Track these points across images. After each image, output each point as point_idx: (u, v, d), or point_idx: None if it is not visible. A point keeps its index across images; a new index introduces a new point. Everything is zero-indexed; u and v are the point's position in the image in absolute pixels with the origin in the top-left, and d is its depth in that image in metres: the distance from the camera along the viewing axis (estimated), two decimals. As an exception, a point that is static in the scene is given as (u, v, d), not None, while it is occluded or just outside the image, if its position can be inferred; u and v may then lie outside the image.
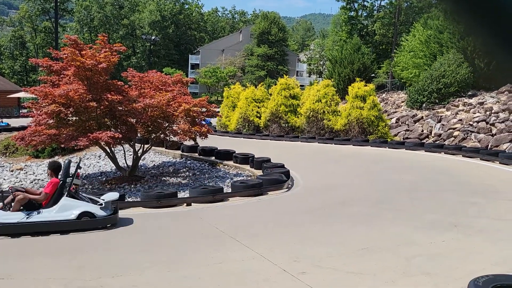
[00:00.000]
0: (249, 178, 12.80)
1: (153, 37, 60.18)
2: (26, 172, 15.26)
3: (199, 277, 4.66)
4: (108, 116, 12.41)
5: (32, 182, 13.65)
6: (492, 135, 17.70)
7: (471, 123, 19.33)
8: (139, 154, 13.82)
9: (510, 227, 6.67)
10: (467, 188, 9.95)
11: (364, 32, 45.30)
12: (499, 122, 18.12)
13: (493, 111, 19.35)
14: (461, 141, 18.64)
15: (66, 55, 11.75)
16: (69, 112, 11.55)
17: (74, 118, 12.14)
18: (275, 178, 10.50)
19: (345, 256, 5.35)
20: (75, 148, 12.88)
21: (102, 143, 12.25)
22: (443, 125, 20.51)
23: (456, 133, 19.41)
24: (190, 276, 4.71)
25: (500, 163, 13.77)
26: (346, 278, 4.62)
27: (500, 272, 4.53)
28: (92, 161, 17.18)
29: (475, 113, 20.17)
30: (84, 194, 7.29)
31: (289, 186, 10.77)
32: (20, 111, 35.81)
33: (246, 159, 14.49)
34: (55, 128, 11.55)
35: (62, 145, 12.21)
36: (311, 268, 4.92)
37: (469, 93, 23.70)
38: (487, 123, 18.64)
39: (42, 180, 13.98)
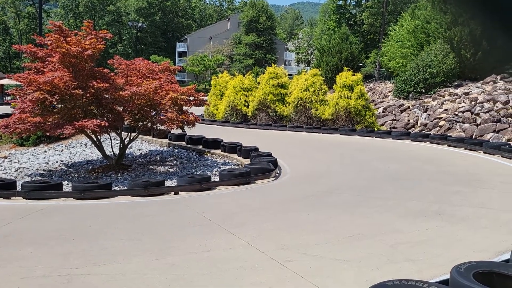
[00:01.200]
0: (236, 167, 12.82)
1: (139, 24, 59.50)
2: (11, 161, 15.05)
3: (187, 265, 4.68)
4: (94, 104, 12.26)
5: (16, 170, 13.47)
6: (477, 125, 17.95)
7: (456, 113, 19.55)
8: (126, 143, 13.72)
9: (493, 215, 6.81)
10: (451, 177, 10.11)
11: (352, 21, 45.32)
12: (483, 112, 18.37)
13: (478, 101, 19.60)
14: (446, 130, 18.88)
15: (50, 42, 11.54)
16: (54, 99, 11.38)
17: (59, 105, 11.97)
18: (262, 167, 10.54)
19: (331, 244, 5.41)
20: (61, 136, 12.73)
21: (88, 132, 12.12)
22: (429, 114, 20.72)
23: (441, 122, 19.63)
24: (178, 264, 4.73)
25: (484, 152, 14.01)
26: (332, 265, 4.69)
27: (482, 259, 4.64)
28: (78, 150, 17.01)
29: (460, 103, 20.40)
30: None
31: (277, 174, 10.83)
32: (4, 98, 35.22)
33: (234, 148, 14.50)
34: (40, 116, 11.38)
35: (48, 133, 12.01)
36: (298, 255, 4.98)
37: (455, 83, 23.94)
38: (472, 113, 18.88)
39: (27, 168, 13.82)
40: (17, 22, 72.26)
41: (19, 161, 15.00)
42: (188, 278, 4.35)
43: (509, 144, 14.65)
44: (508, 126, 16.64)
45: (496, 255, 4.98)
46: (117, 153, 13.67)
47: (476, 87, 22.10)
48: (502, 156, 13.11)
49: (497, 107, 18.28)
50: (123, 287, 4.11)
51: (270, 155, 12.27)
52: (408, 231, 5.96)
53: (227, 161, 14.32)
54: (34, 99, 10.92)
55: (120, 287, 4.11)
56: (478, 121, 18.16)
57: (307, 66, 62.82)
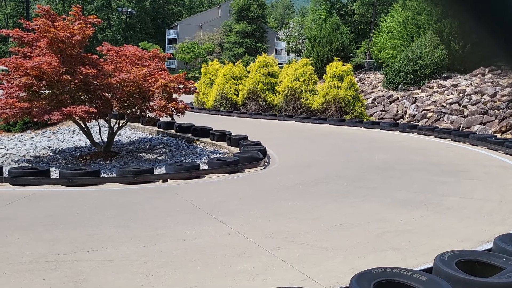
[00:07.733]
0: (225, 155, 12.82)
1: (129, 10, 58.60)
2: (-3, 146, 14.86)
3: (175, 252, 4.71)
4: (82, 90, 12.13)
5: (3, 156, 13.32)
6: (464, 117, 18.15)
7: (444, 104, 19.74)
8: (115, 130, 13.62)
9: (476, 205, 6.94)
10: (437, 168, 10.24)
11: (343, 11, 45.18)
12: (471, 104, 18.57)
13: (466, 94, 19.79)
14: (434, 122, 19.06)
15: (38, 26, 11.35)
16: (41, 85, 11.23)
17: (47, 91, 11.83)
18: (251, 155, 10.57)
19: (318, 232, 5.48)
20: (48, 122, 12.58)
21: (76, 118, 12.01)
22: (417, 106, 20.88)
23: (429, 114, 19.81)
24: (166, 250, 4.76)
25: (470, 144, 14.20)
26: (319, 253, 4.75)
27: (465, 248, 4.74)
28: (66, 136, 16.86)
29: (448, 95, 20.58)
30: None
31: (266, 163, 10.87)
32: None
33: (223, 136, 14.49)
34: (27, 101, 11.23)
35: (35, 119, 11.88)
36: (285, 243, 5.03)
37: (444, 75, 24.11)
38: (459, 105, 19.07)
39: (14, 154, 13.66)
40: (4, 5, 70.71)
41: (5, 147, 14.83)
42: (176, 264, 4.38)
43: (495, 136, 14.87)
44: (494, 118, 16.85)
45: (479, 244, 5.09)
46: (106, 140, 13.57)
47: (465, 79, 22.30)
48: (488, 148, 13.30)
49: (484, 99, 18.48)
50: (111, 273, 4.13)
51: (259, 144, 12.29)
52: (394, 220, 6.05)
53: (216, 149, 14.32)
54: (21, 84, 10.77)
55: (108, 273, 4.13)
56: (466, 113, 18.36)
57: (298, 56, 62.68)
